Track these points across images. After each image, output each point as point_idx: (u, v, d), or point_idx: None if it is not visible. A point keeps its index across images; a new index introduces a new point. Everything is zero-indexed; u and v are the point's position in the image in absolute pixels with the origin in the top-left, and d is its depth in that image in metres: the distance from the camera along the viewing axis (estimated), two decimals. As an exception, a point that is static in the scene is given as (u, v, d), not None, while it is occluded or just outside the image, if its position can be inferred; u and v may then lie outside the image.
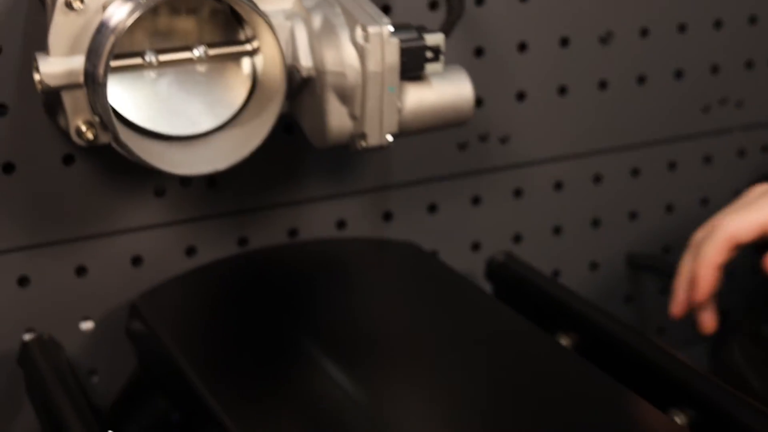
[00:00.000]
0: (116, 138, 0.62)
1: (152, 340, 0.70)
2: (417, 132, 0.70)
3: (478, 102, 0.83)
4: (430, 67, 0.67)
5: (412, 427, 0.60)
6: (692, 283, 0.75)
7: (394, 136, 0.68)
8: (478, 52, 0.82)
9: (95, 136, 0.65)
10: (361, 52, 0.65)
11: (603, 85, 0.87)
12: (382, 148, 0.68)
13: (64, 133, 0.67)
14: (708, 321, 0.77)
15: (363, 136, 0.67)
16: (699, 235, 0.76)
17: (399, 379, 0.65)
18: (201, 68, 0.66)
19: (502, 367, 0.65)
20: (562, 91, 0.86)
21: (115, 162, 0.71)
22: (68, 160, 0.72)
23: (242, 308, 0.73)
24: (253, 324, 0.70)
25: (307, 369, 0.65)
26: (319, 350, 0.67)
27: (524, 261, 0.81)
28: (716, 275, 0.74)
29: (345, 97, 0.66)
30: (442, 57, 0.67)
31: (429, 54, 0.67)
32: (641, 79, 0.89)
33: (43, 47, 0.63)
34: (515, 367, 0.65)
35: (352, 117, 0.66)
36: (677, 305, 0.77)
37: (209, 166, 0.65)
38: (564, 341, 0.72)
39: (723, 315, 0.80)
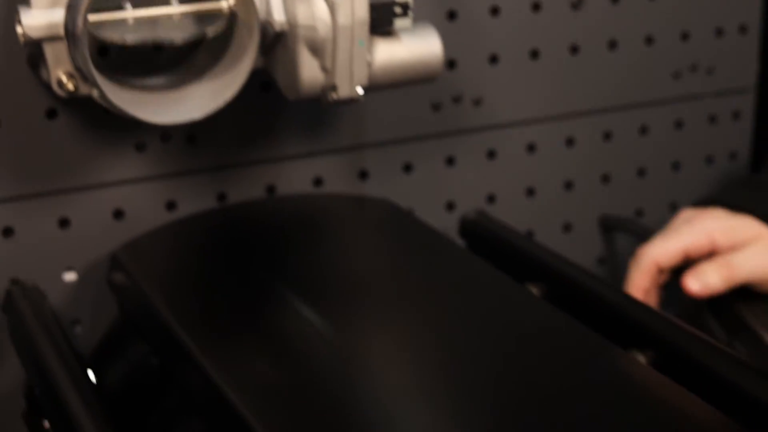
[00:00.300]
0: (96, 88, 0.65)
1: (132, 288, 0.72)
2: (388, 86, 0.72)
3: (451, 64, 0.85)
4: (399, 23, 0.70)
5: (383, 364, 0.62)
6: None
7: (365, 89, 0.70)
8: (451, 15, 0.84)
9: (76, 87, 0.68)
10: (332, 7, 0.67)
11: (574, 49, 0.90)
12: (354, 101, 0.70)
13: (48, 87, 0.70)
14: None
15: (334, 87, 0.69)
16: (632, 260, 0.82)
17: (373, 322, 0.67)
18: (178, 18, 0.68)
19: (474, 310, 0.68)
20: (534, 54, 0.88)
21: (97, 116, 0.74)
22: (51, 114, 0.74)
23: (221, 259, 0.75)
24: (231, 274, 0.73)
25: (283, 315, 0.68)
26: (295, 298, 0.69)
27: (496, 218, 0.84)
28: (644, 298, 0.81)
29: (316, 50, 0.68)
30: (410, 12, 0.70)
31: (398, 9, 0.69)
32: (612, 45, 0.91)
33: (26, 1, 0.65)
34: (486, 311, 0.68)
35: (324, 69, 0.69)
36: None
37: (185, 116, 0.67)
38: (533, 290, 0.74)
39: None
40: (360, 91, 0.70)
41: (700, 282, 0.79)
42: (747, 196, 0.84)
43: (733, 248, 0.80)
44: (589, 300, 0.71)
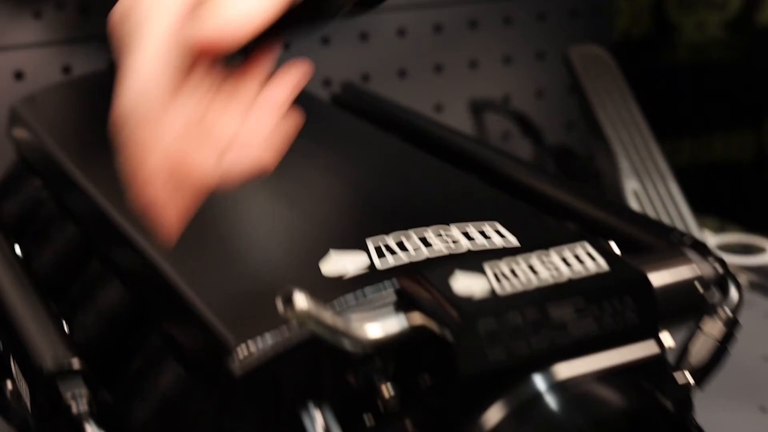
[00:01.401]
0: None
1: (28, 134, 0.82)
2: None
3: (322, -50, 0.95)
4: None
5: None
6: None
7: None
8: None
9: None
10: None
11: (437, -58, 1.00)
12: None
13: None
14: None
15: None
16: None
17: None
18: None
19: (336, 142, 0.78)
20: (399, -55, 0.99)
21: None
22: (-45, -19, 0.85)
23: (110, 110, 0.85)
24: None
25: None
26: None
27: (364, 88, 0.94)
28: None
29: None
30: None
31: None
32: (473, -61, 1.02)
33: None
34: (344, 140, 0.78)
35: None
36: None
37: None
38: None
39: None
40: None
41: None
42: None
43: None
44: (428, 138, 0.82)
